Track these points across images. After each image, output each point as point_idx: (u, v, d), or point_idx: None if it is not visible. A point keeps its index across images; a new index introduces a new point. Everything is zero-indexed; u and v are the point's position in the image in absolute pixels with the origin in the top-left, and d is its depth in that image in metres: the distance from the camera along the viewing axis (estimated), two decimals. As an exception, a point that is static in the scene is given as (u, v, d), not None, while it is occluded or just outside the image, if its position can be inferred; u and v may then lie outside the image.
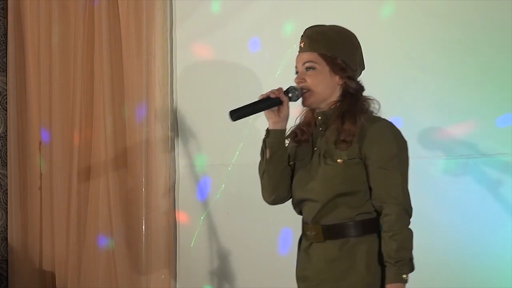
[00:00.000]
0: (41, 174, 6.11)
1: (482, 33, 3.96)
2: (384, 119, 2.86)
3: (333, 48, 2.85)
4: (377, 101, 2.92)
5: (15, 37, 6.29)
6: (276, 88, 2.86)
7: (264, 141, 2.89)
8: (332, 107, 2.87)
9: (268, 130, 2.88)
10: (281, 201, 2.99)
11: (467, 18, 4.00)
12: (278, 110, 2.84)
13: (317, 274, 2.82)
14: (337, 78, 2.86)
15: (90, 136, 5.75)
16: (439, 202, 4.05)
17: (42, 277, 6.15)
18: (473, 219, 3.94)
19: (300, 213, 2.95)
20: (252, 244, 4.81)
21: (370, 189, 2.81)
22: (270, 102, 2.82)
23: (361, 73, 3.01)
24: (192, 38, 5.07)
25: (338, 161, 2.77)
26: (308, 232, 2.86)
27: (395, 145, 2.79)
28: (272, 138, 2.86)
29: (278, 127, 2.86)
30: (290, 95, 2.84)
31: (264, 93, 2.86)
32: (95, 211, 5.67)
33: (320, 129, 2.90)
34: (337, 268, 2.78)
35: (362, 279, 2.78)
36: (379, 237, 2.80)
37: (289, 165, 2.93)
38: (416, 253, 4.05)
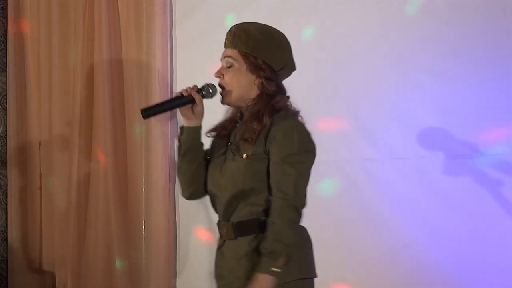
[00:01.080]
0: (40, 174, 6.11)
1: (481, 34, 3.96)
2: (294, 119, 2.85)
3: (254, 47, 2.84)
4: (290, 102, 2.90)
5: (15, 37, 6.29)
6: (191, 86, 2.87)
7: (178, 138, 2.91)
8: (249, 104, 2.87)
9: (181, 127, 2.89)
10: (198, 197, 3.00)
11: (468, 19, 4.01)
12: (192, 108, 2.86)
13: (231, 272, 2.83)
14: (254, 77, 2.85)
15: (90, 136, 5.75)
16: (439, 202, 4.06)
17: (42, 277, 6.15)
18: (472, 219, 3.95)
19: (214, 209, 2.97)
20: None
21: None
22: (182, 101, 2.84)
23: (289, 74, 3.00)
24: (192, 38, 5.07)
25: (243, 156, 2.79)
26: (220, 230, 2.88)
27: (296, 144, 2.77)
28: (185, 135, 2.87)
29: (192, 124, 2.87)
30: (203, 93, 2.87)
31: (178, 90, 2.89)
32: (95, 211, 5.67)
33: (237, 125, 2.93)
34: (247, 264, 2.78)
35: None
36: None
37: (206, 160, 2.95)
38: (416, 252, 4.08)
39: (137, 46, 5.40)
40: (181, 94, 2.85)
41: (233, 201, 2.81)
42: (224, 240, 2.86)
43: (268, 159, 2.79)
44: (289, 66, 2.96)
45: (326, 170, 4.38)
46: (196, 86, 2.88)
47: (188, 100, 2.83)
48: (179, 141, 2.90)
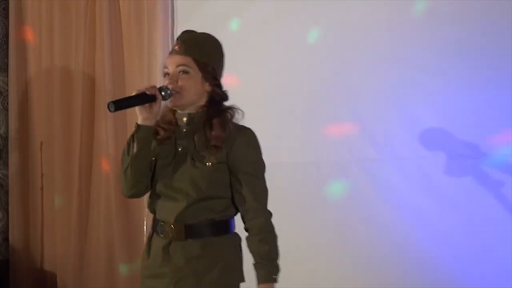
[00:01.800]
0: (42, 174, 6.12)
1: (484, 35, 3.96)
2: (249, 128, 2.96)
3: (206, 55, 2.92)
4: (241, 110, 2.98)
5: (16, 37, 6.29)
6: (150, 85, 2.88)
7: (133, 135, 2.89)
8: (200, 110, 2.93)
9: (138, 125, 2.88)
10: (139, 195, 3.02)
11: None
12: (150, 107, 2.86)
13: (177, 272, 2.89)
14: (206, 85, 2.93)
15: (92, 136, 5.76)
16: (440, 202, 4.06)
17: (44, 277, 6.16)
18: (474, 219, 3.95)
19: (153, 211, 2.99)
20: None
21: (235, 193, 2.93)
22: (145, 98, 2.84)
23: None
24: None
25: (208, 164, 2.86)
26: (168, 229, 2.91)
27: (259, 152, 2.96)
28: (142, 134, 2.87)
29: (148, 123, 2.87)
30: (163, 93, 2.87)
31: (140, 88, 2.88)
32: (96, 211, 5.68)
33: (184, 130, 2.94)
34: (197, 266, 2.88)
35: (224, 276, 2.89)
36: (234, 238, 2.97)
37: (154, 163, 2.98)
38: (416, 252, 4.08)
39: (138, 46, 5.40)
40: (145, 92, 2.85)
41: (191, 205, 2.87)
42: (170, 240, 2.91)
43: (229, 168, 2.90)
44: (222, 72, 3.05)
45: (329, 171, 4.39)
46: (155, 85, 2.90)
47: (150, 99, 2.84)
48: (134, 138, 2.88)
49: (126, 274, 5.44)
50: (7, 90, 6.33)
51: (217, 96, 2.93)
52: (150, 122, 2.87)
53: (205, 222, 2.88)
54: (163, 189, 2.93)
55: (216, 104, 2.93)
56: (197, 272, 2.86)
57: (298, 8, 4.59)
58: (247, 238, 2.93)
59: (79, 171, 5.76)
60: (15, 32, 6.29)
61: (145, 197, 5.21)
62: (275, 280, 2.88)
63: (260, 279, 2.87)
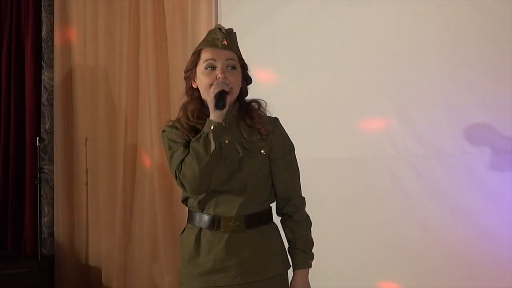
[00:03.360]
0: (87, 169, 6.18)
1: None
2: (277, 118, 2.99)
3: (240, 52, 2.96)
4: (263, 101, 2.99)
5: (61, 35, 6.37)
6: (220, 83, 2.84)
7: (208, 134, 2.83)
8: (233, 105, 2.94)
9: (215, 123, 2.84)
10: (205, 192, 2.95)
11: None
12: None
13: (242, 263, 2.88)
14: (242, 80, 2.95)
15: (136, 133, 5.80)
16: (484, 198, 4.03)
17: (88, 272, 6.22)
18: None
19: (203, 208, 2.94)
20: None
21: (275, 180, 2.95)
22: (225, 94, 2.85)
23: None
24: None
25: (262, 152, 2.89)
26: (230, 223, 2.88)
27: (290, 142, 3.00)
28: (218, 131, 2.84)
29: (221, 120, 2.85)
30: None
31: (217, 86, 2.83)
32: (140, 207, 5.72)
33: (223, 123, 2.89)
34: (261, 254, 2.89)
35: (283, 261, 2.94)
36: (275, 223, 2.98)
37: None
38: (460, 247, 4.06)
39: (182, 46, 5.43)
40: (223, 88, 2.83)
41: (251, 196, 2.88)
42: (231, 233, 2.89)
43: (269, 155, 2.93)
44: None
45: (373, 167, 4.39)
46: (223, 82, 2.87)
47: (227, 95, 2.85)
48: (216, 135, 2.83)
49: (169, 269, 5.47)
50: (52, 86, 6.39)
51: (244, 92, 2.97)
52: (222, 119, 2.85)
53: (260, 211, 2.90)
54: (222, 185, 2.89)
55: (243, 98, 2.97)
56: (261, 260, 2.88)
57: (339, 3, 4.60)
58: (284, 223, 2.98)
59: (123, 167, 5.80)
60: (60, 29, 6.36)
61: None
62: (310, 266, 2.94)
63: (298, 265, 2.93)
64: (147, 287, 5.64)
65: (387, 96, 4.38)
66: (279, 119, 2.98)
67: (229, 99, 2.84)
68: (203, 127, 2.85)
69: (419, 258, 4.24)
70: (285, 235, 2.97)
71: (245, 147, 2.88)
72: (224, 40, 2.91)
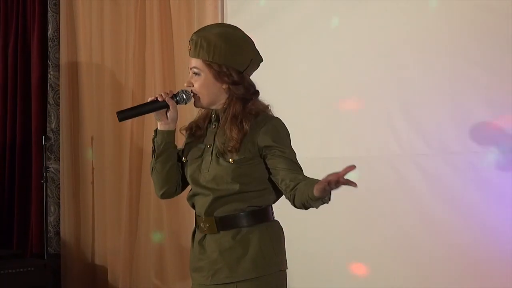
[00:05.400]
0: (93, 168, 6.18)
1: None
2: (276, 118, 2.92)
3: (215, 55, 2.88)
4: (267, 104, 2.95)
5: (67, 33, 6.37)
6: (166, 91, 2.93)
7: (152, 140, 2.98)
8: (225, 106, 2.93)
9: (155, 130, 2.96)
10: (170, 196, 3.09)
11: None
12: (166, 113, 2.92)
13: (212, 264, 2.90)
14: (220, 84, 2.90)
15: (142, 131, 5.81)
16: (490, 197, 4.03)
17: (94, 271, 6.23)
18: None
19: (193, 206, 3.02)
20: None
21: (275, 176, 2.86)
22: (156, 105, 2.89)
23: (258, 66, 3.00)
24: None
25: (230, 161, 2.85)
26: (202, 224, 2.93)
27: (284, 134, 2.88)
28: (159, 139, 2.95)
29: (166, 128, 2.93)
30: (177, 99, 2.91)
31: (156, 95, 2.92)
32: (146, 206, 5.73)
33: (213, 126, 2.96)
34: (230, 257, 2.87)
35: (256, 265, 2.86)
36: (270, 226, 2.91)
37: (184, 161, 3.01)
38: (468, 247, 4.06)
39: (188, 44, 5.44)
40: (156, 99, 2.91)
41: (218, 199, 2.88)
42: (205, 234, 2.93)
43: (261, 157, 2.86)
44: (255, 60, 2.99)
45: (379, 166, 4.39)
46: (171, 91, 2.95)
47: (162, 105, 2.90)
48: (153, 143, 2.98)
49: (176, 267, 5.48)
50: (58, 85, 6.41)
51: (235, 94, 2.89)
52: (168, 127, 2.92)
53: (237, 213, 2.88)
54: (193, 185, 2.96)
55: (236, 102, 2.89)
56: (230, 263, 2.87)
57: (345, 3, 4.61)
58: (294, 192, 2.77)
59: (129, 166, 5.81)
60: (66, 28, 6.37)
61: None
62: (327, 201, 2.72)
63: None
64: (153, 285, 5.64)
65: (392, 96, 4.38)
66: (283, 120, 2.92)
67: (199, 104, 2.91)
68: (196, 126, 2.98)
69: (425, 257, 4.24)
70: (301, 195, 2.74)
71: (216, 153, 2.88)
72: (189, 46, 2.94)
